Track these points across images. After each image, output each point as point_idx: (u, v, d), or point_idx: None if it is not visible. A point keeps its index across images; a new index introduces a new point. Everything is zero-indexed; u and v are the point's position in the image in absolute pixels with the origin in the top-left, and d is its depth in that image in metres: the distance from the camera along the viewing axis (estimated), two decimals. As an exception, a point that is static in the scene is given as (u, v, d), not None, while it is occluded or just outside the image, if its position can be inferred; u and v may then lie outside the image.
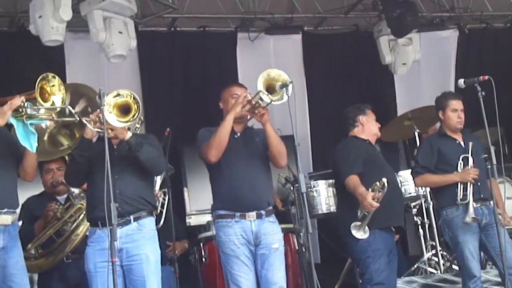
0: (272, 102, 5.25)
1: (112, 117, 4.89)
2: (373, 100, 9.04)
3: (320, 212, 7.38)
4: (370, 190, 5.70)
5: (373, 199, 5.65)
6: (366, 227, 5.76)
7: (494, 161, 5.84)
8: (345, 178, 5.95)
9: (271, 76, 5.29)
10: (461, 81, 6.25)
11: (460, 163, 6.21)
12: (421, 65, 9.80)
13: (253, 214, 5.39)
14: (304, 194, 5.22)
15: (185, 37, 9.14)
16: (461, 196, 6.11)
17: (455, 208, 6.14)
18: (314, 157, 9.18)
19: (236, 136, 5.56)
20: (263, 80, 5.26)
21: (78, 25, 8.04)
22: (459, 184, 6.15)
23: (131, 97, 4.96)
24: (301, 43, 9.55)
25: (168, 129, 6.75)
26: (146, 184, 5.29)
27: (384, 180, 5.67)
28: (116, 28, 7.84)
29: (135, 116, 4.93)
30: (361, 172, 5.93)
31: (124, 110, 4.95)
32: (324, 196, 7.33)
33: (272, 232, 5.45)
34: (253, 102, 5.32)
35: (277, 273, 5.39)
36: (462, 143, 6.33)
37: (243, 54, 9.27)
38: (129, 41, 8.03)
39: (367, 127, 6.27)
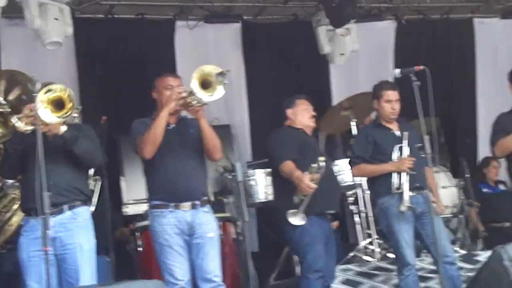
0: (208, 101, 5.20)
1: (46, 112, 4.81)
2: (311, 89, 9.14)
3: (258, 200, 7.40)
4: (307, 172, 5.69)
5: (311, 181, 5.66)
6: (303, 214, 5.74)
7: (429, 150, 5.92)
8: (280, 164, 5.96)
9: (206, 72, 5.22)
10: (397, 71, 6.27)
11: (396, 153, 6.28)
12: (359, 56, 9.86)
13: (188, 204, 5.37)
14: (241, 183, 5.25)
15: (123, 24, 9.03)
16: (396, 185, 6.16)
17: (390, 197, 6.19)
18: (253, 146, 9.16)
19: (170, 128, 5.52)
20: (198, 76, 5.17)
21: (13, 11, 7.86)
22: (394, 173, 6.22)
23: (64, 91, 4.89)
24: (241, 32, 9.54)
25: (104, 117, 6.68)
26: (80, 175, 5.25)
27: (322, 159, 5.66)
28: (51, 14, 7.72)
29: (69, 112, 4.87)
30: (296, 159, 5.94)
31: (58, 104, 4.88)
32: (262, 185, 7.34)
33: (207, 222, 5.43)
34: (188, 101, 5.28)
35: (212, 262, 5.39)
36: (397, 132, 6.38)
37: (182, 42, 9.21)
38: (65, 28, 7.92)
39: (297, 120, 6.29)
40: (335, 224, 7.12)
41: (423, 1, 10.00)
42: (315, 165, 5.64)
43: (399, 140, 6.31)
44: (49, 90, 4.85)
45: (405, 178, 6.15)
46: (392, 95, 6.38)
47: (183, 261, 5.35)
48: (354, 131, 7.81)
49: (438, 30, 10.34)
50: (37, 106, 4.73)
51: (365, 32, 9.83)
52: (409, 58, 9.55)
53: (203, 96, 5.16)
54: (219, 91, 5.17)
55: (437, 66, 9.51)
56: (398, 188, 6.15)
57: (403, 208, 6.07)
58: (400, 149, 6.26)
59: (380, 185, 6.32)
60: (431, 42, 10.29)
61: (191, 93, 5.21)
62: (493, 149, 6.47)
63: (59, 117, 4.86)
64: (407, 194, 6.11)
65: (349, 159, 6.75)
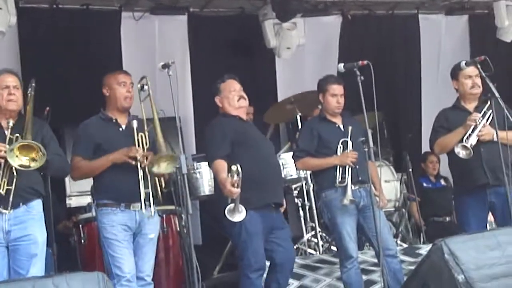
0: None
1: (18, 160, 4.98)
2: (257, 83, 9.20)
3: (202, 194, 7.42)
4: (229, 175, 5.53)
5: (232, 185, 5.49)
6: (241, 208, 5.58)
7: (371, 144, 5.99)
8: (211, 162, 5.88)
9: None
10: (340, 66, 6.36)
11: (340, 147, 6.32)
12: (305, 50, 9.89)
13: (137, 204, 5.48)
14: (185, 176, 5.26)
15: (67, 14, 8.88)
16: (340, 179, 6.22)
17: (334, 191, 6.25)
18: (198, 139, 9.13)
19: (121, 129, 5.62)
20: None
21: (-46, 0, 7.73)
22: (338, 167, 6.26)
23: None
24: (187, 24, 9.47)
25: (47, 108, 6.60)
26: (37, 174, 5.28)
27: (237, 166, 5.48)
28: (-6, 3, 7.59)
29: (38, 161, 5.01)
30: (229, 154, 5.80)
31: (26, 148, 5.01)
32: (207, 178, 7.36)
33: (151, 222, 5.59)
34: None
35: (149, 262, 5.61)
36: (341, 126, 6.44)
37: (128, 34, 9.11)
38: (8, 17, 7.78)
39: (226, 106, 6.07)
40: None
41: (369, -4, 10.10)
42: (234, 168, 5.48)
43: (344, 134, 6.37)
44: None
45: (348, 171, 6.21)
46: (337, 89, 6.44)
47: (130, 256, 5.49)
48: (299, 124, 7.84)
49: (383, 26, 10.41)
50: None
51: (312, 27, 9.86)
52: (354, 53, 9.55)
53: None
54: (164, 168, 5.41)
55: (382, 61, 9.65)
56: (342, 182, 6.21)
57: (346, 201, 6.14)
58: (344, 143, 6.32)
59: (324, 178, 6.37)
60: (377, 37, 10.36)
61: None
62: (432, 146, 6.60)
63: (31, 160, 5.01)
64: (350, 187, 6.18)
65: (293, 152, 6.79)
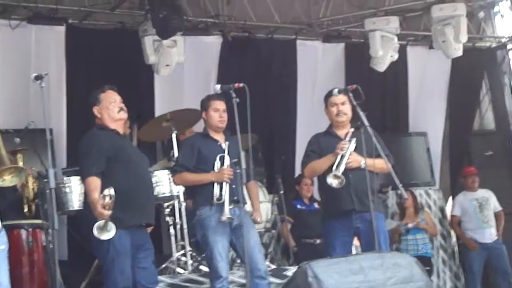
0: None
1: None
2: (135, 99, 9.12)
3: (71, 208, 7.27)
4: (101, 196, 5.36)
5: (104, 207, 5.34)
6: (110, 227, 5.41)
7: (244, 166, 6.06)
8: (84, 179, 5.67)
9: None
10: (217, 87, 6.43)
11: (217, 163, 6.36)
12: (185, 68, 9.90)
13: None
14: (52, 190, 5.15)
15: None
16: (217, 196, 6.25)
17: (209, 208, 6.26)
18: (70, 152, 8.96)
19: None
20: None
21: None
22: (215, 184, 6.29)
23: None
24: (65, 36, 9.30)
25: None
26: None
27: (110, 190, 5.33)
28: None
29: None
30: (104, 171, 5.63)
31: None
32: (77, 192, 7.23)
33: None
34: None
35: (6, 274, 5.37)
36: (223, 144, 6.47)
37: (4, 41, 8.91)
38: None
39: (105, 117, 5.85)
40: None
41: (250, 19, 10.23)
42: (107, 191, 5.31)
43: (224, 151, 6.41)
44: None
45: (225, 188, 6.26)
46: (219, 104, 6.51)
47: None
48: (175, 142, 7.81)
49: (262, 49, 10.54)
50: None
51: (192, 45, 9.89)
52: (233, 74, 9.63)
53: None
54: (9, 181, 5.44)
55: (260, 84, 9.78)
56: (219, 199, 6.24)
57: (223, 217, 6.17)
58: (222, 159, 6.37)
59: (201, 195, 6.40)
60: (256, 60, 10.47)
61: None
62: (303, 170, 6.74)
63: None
64: (227, 204, 6.21)
65: (171, 168, 6.78)
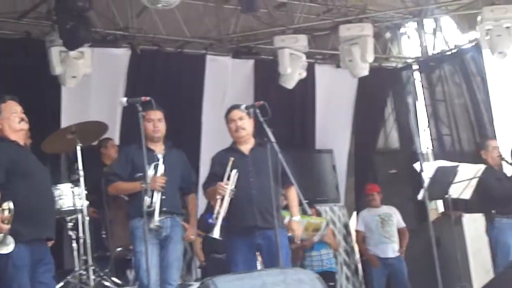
0: None
1: None
2: (41, 110, 8.94)
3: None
4: (0, 209, 5.21)
5: (2, 221, 5.18)
6: (9, 241, 5.27)
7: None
8: None
9: None
10: (123, 100, 6.42)
11: (151, 171, 6.38)
12: (92, 80, 9.79)
13: None
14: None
15: None
16: (148, 203, 6.28)
17: (138, 219, 6.35)
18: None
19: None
20: None
21: None
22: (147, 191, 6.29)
23: None
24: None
25: None
26: None
27: (8, 204, 5.21)
28: None
29: None
30: (3, 183, 5.45)
31: None
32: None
33: None
34: None
35: None
36: (159, 155, 6.54)
37: None
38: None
39: (6, 127, 5.65)
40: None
41: (159, 32, 10.20)
42: (6, 205, 5.19)
43: (159, 161, 6.48)
44: None
45: (157, 196, 6.32)
46: (153, 114, 6.58)
47: None
48: (79, 154, 7.69)
49: (172, 63, 10.52)
50: None
51: (100, 57, 9.78)
52: (141, 87, 9.61)
53: None
54: None
55: (168, 98, 9.70)
56: (150, 207, 6.27)
57: (151, 225, 6.22)
58: (156, 167, 6.37)
59: (132, 206, 6.52)
60: (164, 73, 10.44)
61: None
62: (204, 193, 6.80)
63: None
64: (157, 212, 6.27)
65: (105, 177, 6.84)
